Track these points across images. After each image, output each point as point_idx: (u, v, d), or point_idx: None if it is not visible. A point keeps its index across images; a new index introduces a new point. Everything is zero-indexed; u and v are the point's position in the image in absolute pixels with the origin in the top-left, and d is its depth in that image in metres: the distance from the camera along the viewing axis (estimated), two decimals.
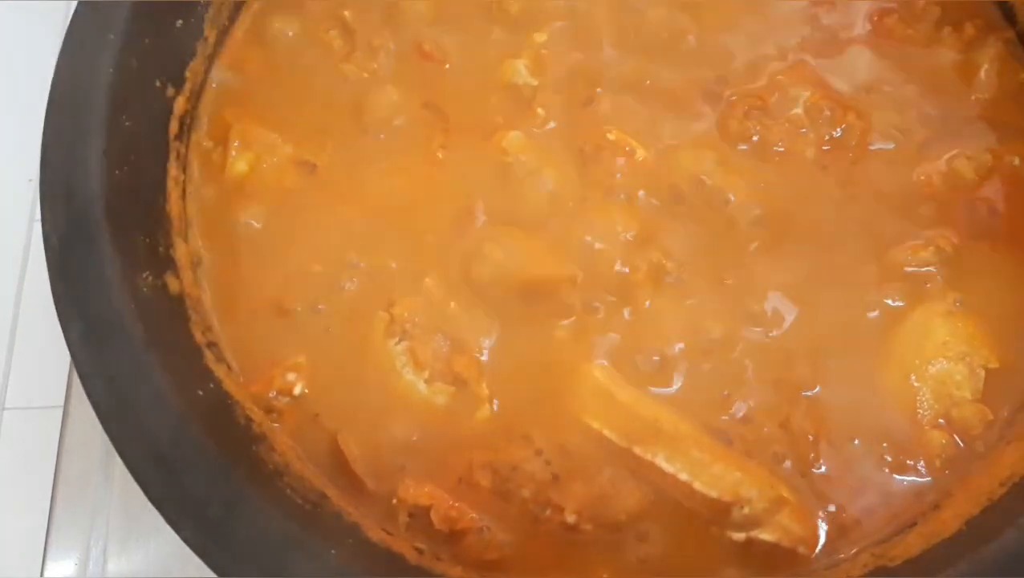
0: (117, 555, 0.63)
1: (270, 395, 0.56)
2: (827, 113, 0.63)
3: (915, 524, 0.54)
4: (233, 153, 0.62)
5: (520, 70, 0.64)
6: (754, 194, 0.61)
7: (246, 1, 0.67)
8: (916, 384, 0.56)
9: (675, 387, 0.57)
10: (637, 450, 0.54)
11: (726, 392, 0.56)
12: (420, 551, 0.53)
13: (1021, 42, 0.66)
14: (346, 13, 0.66)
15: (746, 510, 0.53)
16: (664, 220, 0.60)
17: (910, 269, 0.59)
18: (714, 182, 0.61)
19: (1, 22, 0.77)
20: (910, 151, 0.63)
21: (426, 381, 0.56)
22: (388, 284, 0.59)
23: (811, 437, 0.55)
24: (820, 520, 0.54)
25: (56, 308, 0.50)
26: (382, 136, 0.63)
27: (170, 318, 0.55)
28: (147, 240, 0.56)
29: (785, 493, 0.54)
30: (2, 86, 0.75)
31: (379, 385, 0.57)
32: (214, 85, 0.65)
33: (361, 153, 0.63)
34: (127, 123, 0.56)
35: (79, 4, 0.57)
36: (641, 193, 0.61)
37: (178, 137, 0.61)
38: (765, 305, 0.58)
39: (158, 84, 0.60)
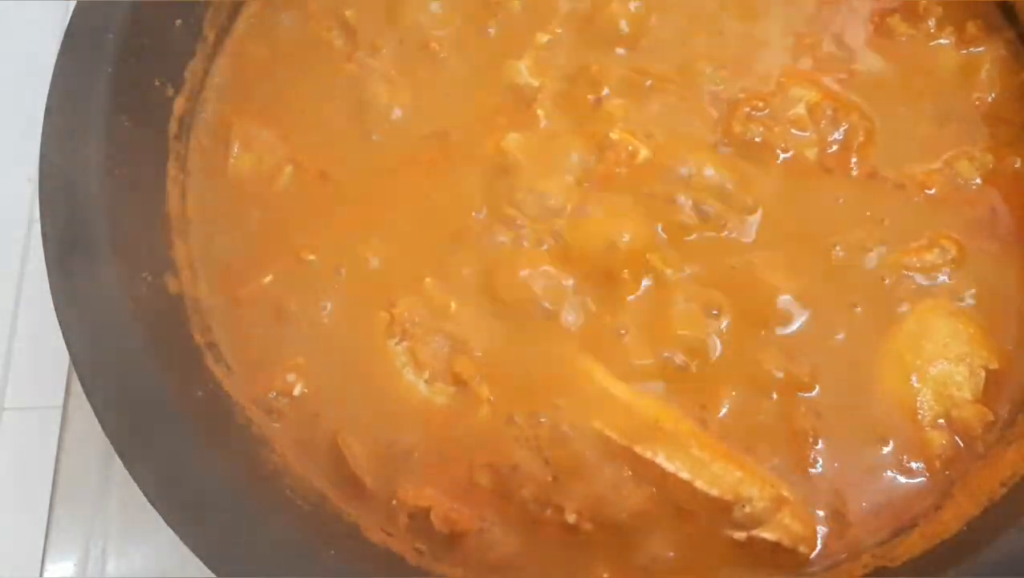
0: (117, 555, 0.63)
1: (270, 396, 0.56)
2: (829, 113, 0.63)
3: (916, 524, 0.54)
4: (234, 153, 0.62)
5: (521, 71, 0.64)
6: (757, 195, 0.61)
7: (245, 0, 0.67)
8: (917, 385, 0.56)
9: (675, 387, 0.56)
10: (637, 449, 0.54)
11: (725, 393, 0.56)
12: (420, 552, 0.53)
13: (1022, 42, 0.66)
14: (347, 12, 0.66)
15: (747, 509, 0.53)
16: (666, 220, 0.60)
17: (912, 270, 0.59)
18: (717, 183, 0.61)
19: (1, 22, 0.77)
20: (912, 151, 0.63)
21: (426, 381, 0.56)
22: (388, 284, 0.59)
23: (811, 438, 0.55)
24: (821, 520, 0.54)
25: (55, 308, 0.50)
26: (383, 136, 0.63)
27: (169, 318, 0.55)
28: (147, 240, 0.56)
29: (785, 492, 0.54)
30: (2, 86, 0.75)
31: (379, 385, 0.57)
32: (214, 85, 0.65)
33: (362, 153, 0.63)
34: (127, 123, 0.56)
35: (78, 4, 0.57)
36: (644, 193, 0.61)
37: (177, 137, 0.61)
38: (766, 305, 0.58)
39: (158, 84, 0.60)
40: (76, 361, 0.50)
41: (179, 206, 0.60)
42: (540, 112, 0.63)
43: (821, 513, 0.54)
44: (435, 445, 0.55)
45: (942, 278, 0.59)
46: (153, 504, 0.47)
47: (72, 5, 0.57)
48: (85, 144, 0.54)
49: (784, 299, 0.58)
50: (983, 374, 0.57)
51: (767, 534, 0.53)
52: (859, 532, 0.54)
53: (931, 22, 0.66)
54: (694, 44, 0.66)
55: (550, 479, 0.54)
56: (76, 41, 0.56)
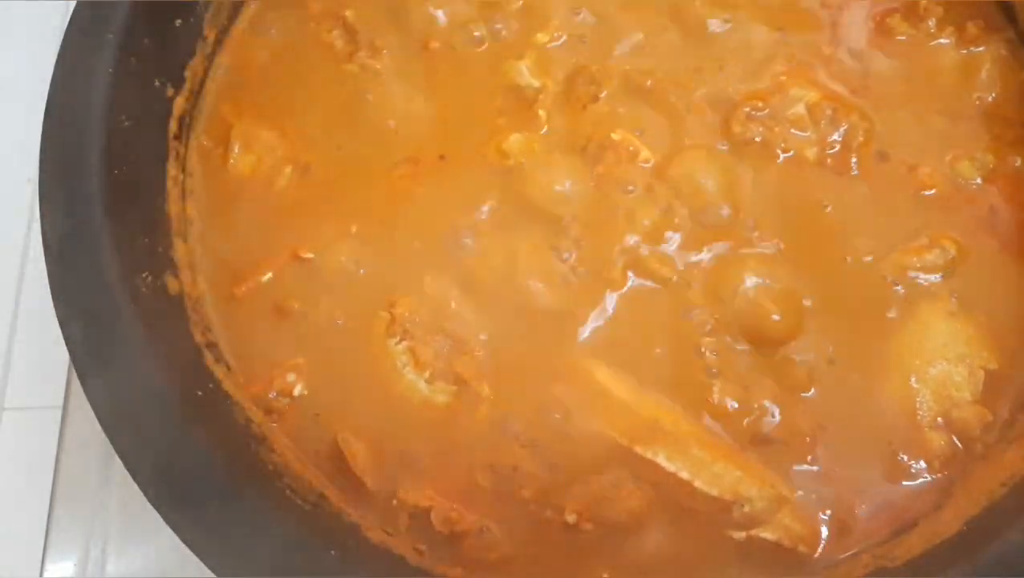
0: (117, 555, 0.63)
1: (270, 396, 0.56)
2: (829, 113, 0.63)
3: (916, 524, 0.54)
4: (234, 153, 0.62)
5: (522, 71, 0.64)
6: (757, 195, 0.61)
7: (246, 0, 0.67)
8: (916, 385, 0.56)
9: (674, 388, 0.56)
10: (638, 449, 0.54)
11: (724, 393, 0.56)
12: (420, 552, 0.53)
13: (1022, 42, 0.66)
14: (348, 13, 0.66)
15: (746, 509, 0.53)
16: (667, 222, 0.60)
17: (912, 270, 0.59)
18: (717, 183, 0.61)
19: (1, 22, 0.77)
20: (912, 151, 0.62)
21: (427, 381, 0.56)
22: (389, 284, 0.59)
23: (810, 438, 0.55)
24: (821, 520, 0.54)
25: (55, 308, 0.50)
26: (384, 136, 0.63)
27: (169, 318, 0.55)
28: (147, 240, 0.56)
29: (785, 492, 0.54)
30: (2, 86, 0.75)
31: (380, 385, 0.57)
32: (214, 85, 0.65)
33: (362, 153, 0.63)
34: (127, 123, 0.56)
35: (78, 4, 0.57)
36: (645, 194, 0.61)
37: (177, 137, 0.61)
38: (766, 307, 0.58)
39: (157, 84, 0.60)
40: (76, 361, 0.50)
41: (179, 206, 0.60)
42: (541, 113, 0.63)
43: (821, 513, 0.54)
44: (435, 445, 0.55)
45: (942, 278, 0.59)
46: (153, 504, 0.47)
47: (72, 5, 0.57)
48: (85, 144, 0.54)
49: (784, 299, 0.58)
50: (982, 375, 0.57)
51: (767, 534, 0.53)
52: (859, 532, 0.54)
53: (931, 22, 0.66)
54: (694, 44, 0.66)
55: (550, 479, 0.54)
56: (76, 41, 0.56)
